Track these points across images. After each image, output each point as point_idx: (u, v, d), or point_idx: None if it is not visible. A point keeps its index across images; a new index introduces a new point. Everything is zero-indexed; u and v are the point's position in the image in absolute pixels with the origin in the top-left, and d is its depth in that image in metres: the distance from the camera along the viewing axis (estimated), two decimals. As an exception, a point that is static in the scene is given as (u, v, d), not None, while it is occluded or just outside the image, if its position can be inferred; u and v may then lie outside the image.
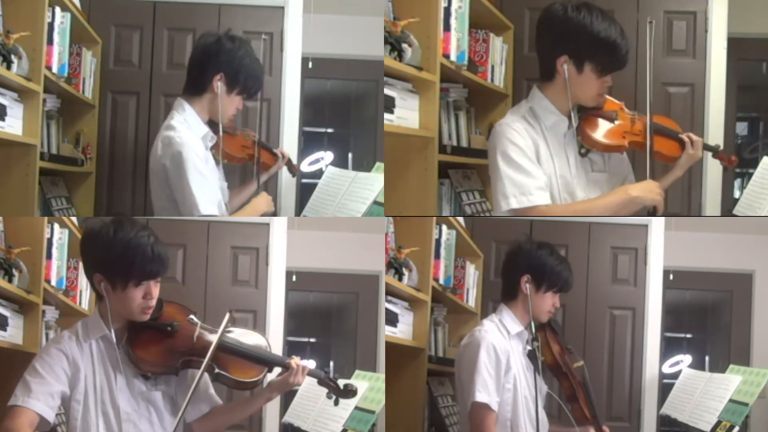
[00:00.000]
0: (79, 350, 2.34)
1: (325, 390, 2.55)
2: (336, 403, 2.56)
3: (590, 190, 2.70)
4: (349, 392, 2.54)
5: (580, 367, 2.89)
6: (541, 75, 2.69)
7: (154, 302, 2.36)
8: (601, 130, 2.68)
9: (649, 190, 2.63)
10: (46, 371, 2.30)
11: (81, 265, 3.94)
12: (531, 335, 2.77)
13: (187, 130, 2.82)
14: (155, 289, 2.36)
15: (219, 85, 2.85)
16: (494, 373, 2.66)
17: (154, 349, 2.36)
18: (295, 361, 2.45)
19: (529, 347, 2.81)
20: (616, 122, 2.69)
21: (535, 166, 2.60)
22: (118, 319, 2.36)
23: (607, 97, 2.72)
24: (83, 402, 2.33)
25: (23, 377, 2.29)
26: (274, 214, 4.25)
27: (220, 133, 2.90)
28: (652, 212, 2.66)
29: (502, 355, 2.68)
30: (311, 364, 4.32)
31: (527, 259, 2.80)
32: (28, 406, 2.24)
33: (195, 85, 2.89)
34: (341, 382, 2.54)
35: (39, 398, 2.25)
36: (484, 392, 2.64)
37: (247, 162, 3.13)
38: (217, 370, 2.39)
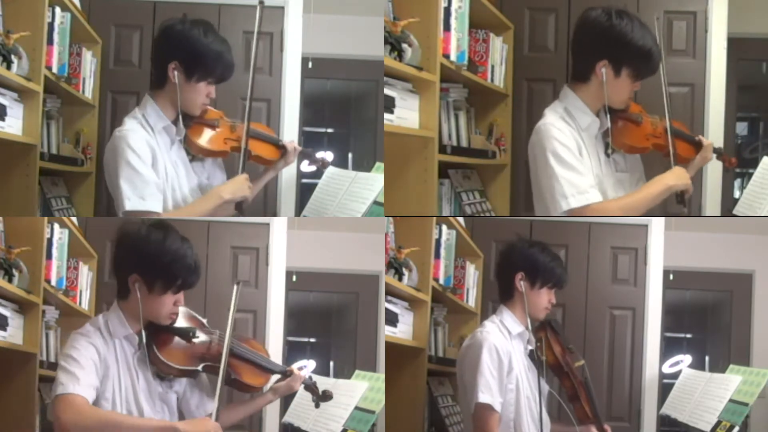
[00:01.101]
0: (105, 348, 2.36)
1: (322, 393, 2.76)
2: (317, 405, 2.78)
3: (617, 190, 2.80)
4: (326, 397, 2.75)
5: (581, 367, 2.92)
6: (574, 76, 2.80)
7: (179, 309, 2.45)
8: (629, 133, 2.82)
9: (680, 176, 2.79)
10: (84, 361, 2.29)
11: (80, 264, 3.94)
12: (530, 334, 2.80)
13: (138, 124, 2.69)
14: (182, 296, 2.44)
15: (175, 74, 2.68)
16: (497, 374, 2.68)
17: (178, 353, 2.43)
18: (295, 369, 2.64)
19: (530, 347, 2.83)
20: (641, 125, 2.83)
21: (583, 165, 2.70)
22: (138, 320, 2.40)
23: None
24: (111, 401, 2.35)
25: (62, 367, 2.27)
26: (274, 213, 4.26)
27: (180, 125, 2.74)
28: (681, 197, 2.80)
29: (504, 356, 2.70)
30: (311, 364, 4.38)
31: (520, 257, 2.87)
32: (81, 393, 2.24)
33: (155, 77, 2.75)
34: (321, 388, 2.74)
35: (85, 386, 2.26)
36: (487, 393, 2.66)
37: (234, 154, 2.89)
38: (233, 376, 2.51)
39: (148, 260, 2.37)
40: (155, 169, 2.67)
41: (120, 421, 2.27)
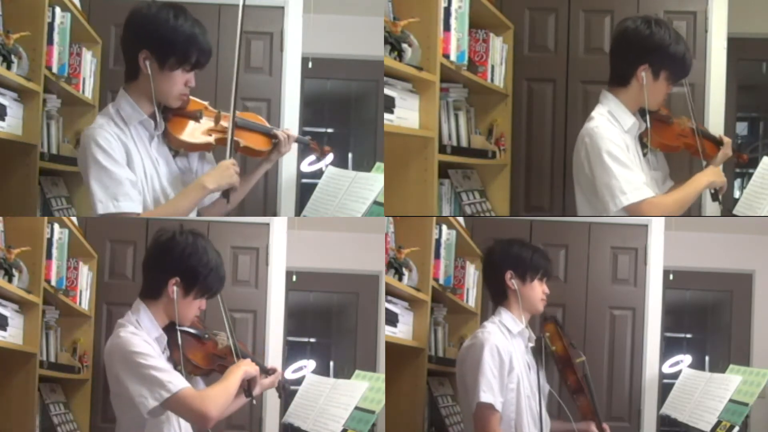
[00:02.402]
0: (155, 347, 2.40)
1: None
2: (279, 396, 2.81)
3: (653, 188, 2.92)
4: (286, 391, 2.87)
5: (582, 363, 2.99)
6: (613, 81, 2.95)
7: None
8: (665, 133, 3.01)
9: (717, 174, 3.00)
10: (159, 357, 2.35)
11: (80, 264, 3.94)
12: (530, 332, 2.84)
13: (109, 120, 2.54)
14: (204, 302, 2.52)
15: (147, 63, 2.49)
16: (498, 374, 2.71)
17: (200, 353, 2.52)
18: (278, 367, 2.70)
19: (531, 344, 2.89)
20: (672, 125, 3.02)
21: (634, 163, 2.86)
22: (163, 322, 2.46)
23: None
24: None
25: (153, 368, 2.29)
26: (274, 213, 4.26)
27: (158, 119, 2.59)
28: (716, 194, 3.01)
29: (505, 356, 2.74)
30: (311, 364, 4.40)
31: (504, 256, 2.93)
32: (189, 384, 2.32)
33: (127, 68, 2.56)
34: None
35: (183, 379, 2.34)
36: (489, 393, 2.68)
37: (220, 147, 2.72)
38: None
39: (191, 269, 2.42)
40: (131, 166, 2.53)
41: (225, 387, 2.38)
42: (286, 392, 2.82)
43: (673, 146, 3.04)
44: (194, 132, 2.65)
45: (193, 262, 2.42)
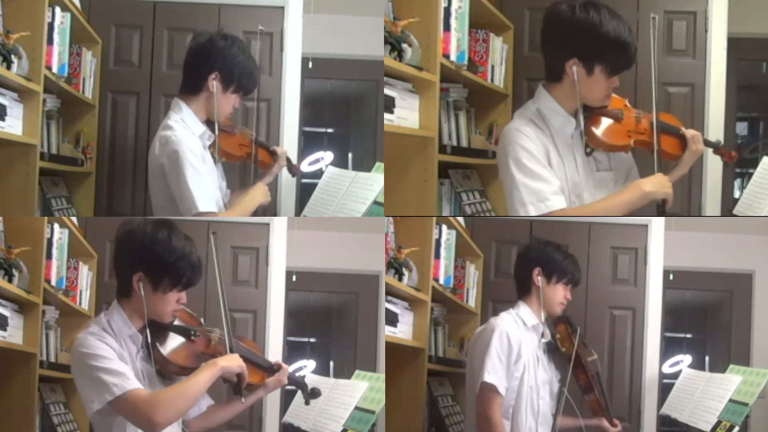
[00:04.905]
0: (117, 346, 2.30)
1: (311, 390, 2.77)
2: (306, 403, 2.79)
3: (597, 191, 2.66)
4: (315, 394, 2.76)
5: (594, 361, 3.07)
6: (547, 76, 2.63)
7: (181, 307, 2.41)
8: (607, 130, 2.63)
9: (660, 184, 2.59)
10: (115, 358, 2.24)
11: (80, 264, 3.94)
12: (545, 327, 2.91)
13: (184, 129, 2.84)
14: (185, 295, 2.39)
15: (214, 84, 2.87)
16: (505, 360, 2.79)
17: (181, 351, 2.40)
18: (283, 364, 2.59)
19: (544, 340, 2.95)
20: (622, 121, 2.64)
21: (548, 171, 2.55)
22: (141, 320, 2.35)
23: (612, 94, 2.68)
24: None
25: (102, 369, 2.18)
26: (274, 213, 4.26)
27: (216, 131, 2.93)
28: (662, 206, 2.63)
29: (514, 343, 2.81)
30: (311, 364, 4.38)
31: (536, 254, 3.00)
32: (139, 386, 2.20)
33: (191, 84, 2.92)
34: (309, 385, 2.75)
35: (136, 380, 2.22)
36: (493, 374, 2.76)
37: (245, 161, 3.10)
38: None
39: (153, 259, 2.31)
40: (206, 169, 2.86)
41: (184, 389, 2.25)
42: (314, 394, 2.73)
43: (620, 145, 2.64)
44: (232, 145, 3.02)
45: (157, 252, 2.30)
